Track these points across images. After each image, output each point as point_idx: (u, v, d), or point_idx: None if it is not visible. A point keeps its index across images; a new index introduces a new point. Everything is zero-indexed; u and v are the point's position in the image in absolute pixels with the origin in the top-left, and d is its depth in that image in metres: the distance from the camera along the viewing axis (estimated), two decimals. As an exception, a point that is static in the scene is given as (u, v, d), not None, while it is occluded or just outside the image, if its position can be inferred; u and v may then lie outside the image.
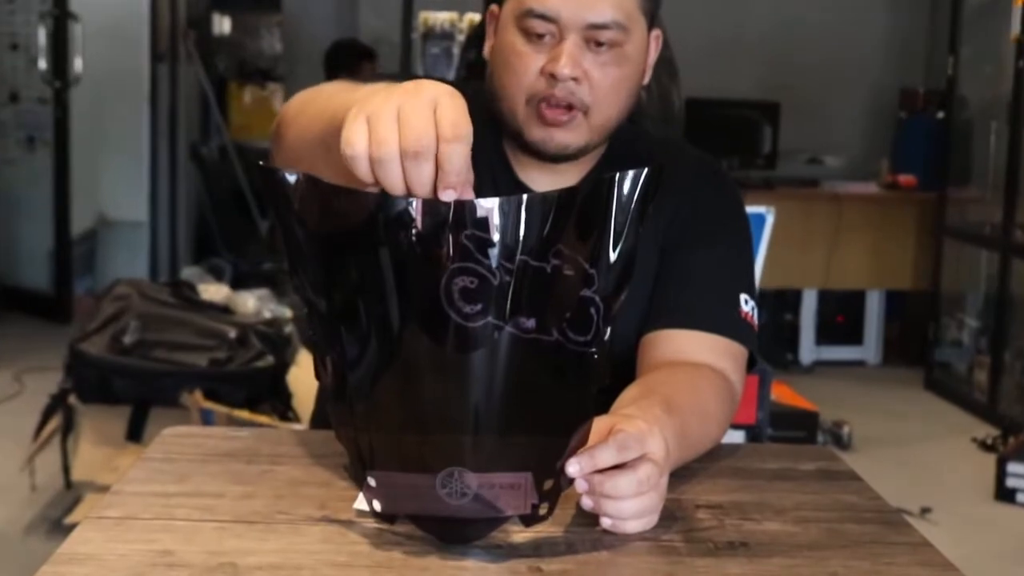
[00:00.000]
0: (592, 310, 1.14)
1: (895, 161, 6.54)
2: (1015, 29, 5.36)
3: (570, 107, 1.52)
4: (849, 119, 7.03)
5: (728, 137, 6.21)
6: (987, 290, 5.88)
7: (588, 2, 1.49)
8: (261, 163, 1.15)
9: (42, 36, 6.27)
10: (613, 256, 1.14)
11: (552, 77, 1.50)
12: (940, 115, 6.32)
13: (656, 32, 1.60)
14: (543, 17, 1.50)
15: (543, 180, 1.59)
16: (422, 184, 1.07)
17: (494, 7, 1.59)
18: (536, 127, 1.54)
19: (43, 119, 6.40)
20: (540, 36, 1.51)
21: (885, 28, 7.09)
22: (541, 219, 1.11)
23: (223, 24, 8.13)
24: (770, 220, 3.03)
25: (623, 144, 1.66)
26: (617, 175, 1.13)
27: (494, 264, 1.10)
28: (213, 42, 7.95)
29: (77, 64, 6.30)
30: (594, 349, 1.15)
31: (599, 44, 1.51)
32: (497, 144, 1.64)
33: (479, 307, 1.11)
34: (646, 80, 1.61)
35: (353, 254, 1.12)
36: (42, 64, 6.28)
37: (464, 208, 1.08)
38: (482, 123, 1.67)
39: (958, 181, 6.11)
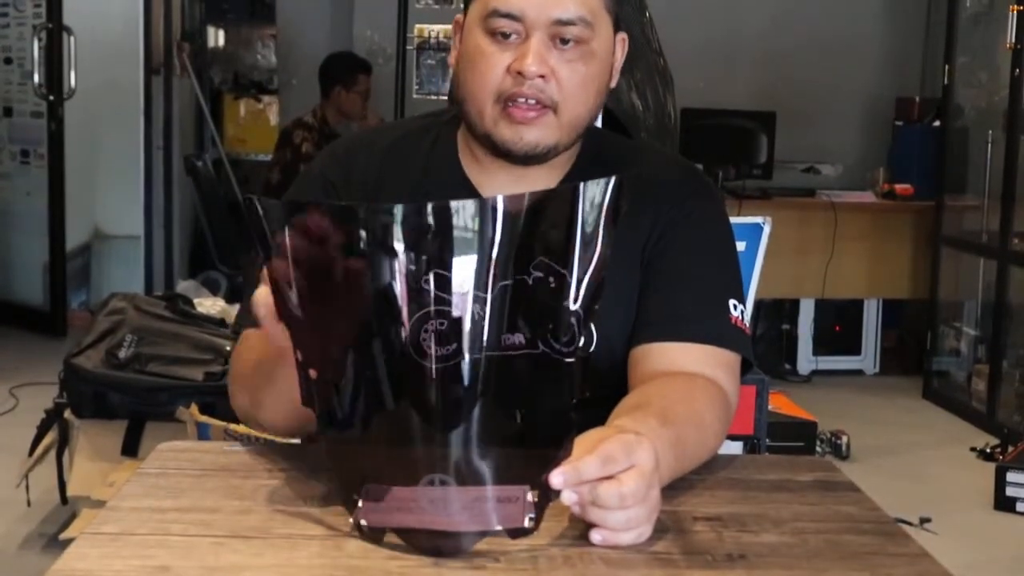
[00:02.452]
0: (572, 319, 1.15)
1: (891, 170, 6.54)
2: (1011, 37, 5.37)
3: (539, 104, 1.52)
4: (845, 128, 7.03)
5: (724, 147, 6.21)
6: (984, 299, 5.87)
7: None
8: (249, 197, 1.16)
9: (36, 49, 6.26)
10: (587, 264, 1.14)
11: (519, 75, 1.51)
12: (936, 124, 6.33)
13: (622, 35, 1.61)
14: (508, 16, 1.51)
15: (511, 188, 1.57)
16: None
17: (459, 16, 1.60)
18: (505, 126, 1.54)
19: (37, 133, 6.40)
20: (506, 36, 1.52)
21: (881, 37, 7.09)
22: (516, 229, 1.13)
23: (218, 37, 8.13)
24: (767, 230, 3.01)
25: (595, 149, 1.66)
26: (582, 184, 1.14)
27: (462, 298, 1.12)
28: (208, 55, 7.95)
29: (71, 77, 6.29)
30: (573, 359, 1.16)
31: (565, 41, 1.51)
32: (454, 163, 1.65)
33: (453, 346, 1.12)
34: (613, 83, 1.62)
35: (336, 283, 1.14)
36: (36, 77, 6.28)
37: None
38: (437, 146, 1.67)
39: (955, 190, 6.11)
